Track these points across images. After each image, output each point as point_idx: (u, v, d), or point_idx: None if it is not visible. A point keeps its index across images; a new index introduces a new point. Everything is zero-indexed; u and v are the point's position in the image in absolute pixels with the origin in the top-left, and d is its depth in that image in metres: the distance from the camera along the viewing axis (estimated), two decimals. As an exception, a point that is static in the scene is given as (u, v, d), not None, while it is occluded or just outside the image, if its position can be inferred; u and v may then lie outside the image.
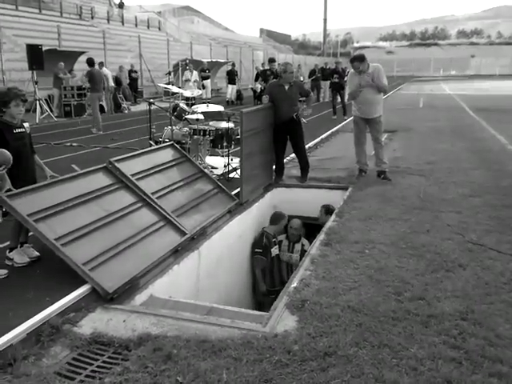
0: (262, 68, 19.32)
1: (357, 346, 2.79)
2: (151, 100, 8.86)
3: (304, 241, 6.30)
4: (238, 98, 20.88)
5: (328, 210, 6.08)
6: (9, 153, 3.60)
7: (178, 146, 6.01)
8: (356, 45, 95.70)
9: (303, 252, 5.90)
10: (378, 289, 3.53)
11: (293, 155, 7.42)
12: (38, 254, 4.00)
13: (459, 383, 2.46)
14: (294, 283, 3.67)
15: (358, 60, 6.60)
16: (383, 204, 5.60)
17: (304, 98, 7.16)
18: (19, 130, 3.93)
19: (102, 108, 16.58)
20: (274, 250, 6.04)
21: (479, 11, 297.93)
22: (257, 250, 5.89)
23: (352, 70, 6.85)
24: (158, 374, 2.57)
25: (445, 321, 3.06)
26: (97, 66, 13.54)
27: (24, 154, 3.94)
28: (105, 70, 16.26)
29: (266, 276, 6.05)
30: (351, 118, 7.37)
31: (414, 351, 2.73)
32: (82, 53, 17.49)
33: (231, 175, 6.84)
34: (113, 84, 16.28)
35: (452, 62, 63.42)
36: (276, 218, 6.17)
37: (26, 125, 4.03)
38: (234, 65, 22.29)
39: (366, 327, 2.99)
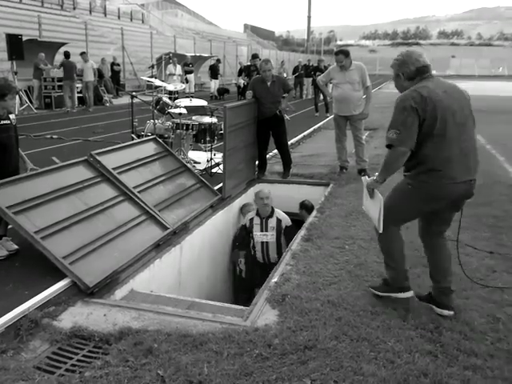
0: (246, 64, 19.31)
1: (336, 339, 2.84)
2: (134, 93, 8.78)
3: (279, 213, 5.53)
4: (220, 93, 20.73)
5: (302, 205, 6.13)
6: None
7: (160, 140, 5.98)
8: (339, 42, 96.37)
9: (280, 229, 5.37)
10: (357, 284, 3.59)
11: (275, 151, 7.45)
12: (16, 247, 3.95)
13: (435, 376, 2.52)
14: (274, 278, 3.70)
15: (344, 54, 6.60)
16: (364, 201, 5.67)
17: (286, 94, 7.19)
18: (4, 122, 3.84)
19: (82, 100, 16.38)
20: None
21: (460, 12, 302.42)
22: (237, 243, 5.85)
23: (335, 65, 6.85)
24: (139, 367, 2.58)
25: (422, 315, 3.13)
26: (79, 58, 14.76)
27: (8, 146, 3.86)
28: (93, 64, 15.96)
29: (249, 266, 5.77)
30: (333, 115, 7.42)
31: (391, 344, 2.78)
32: (63, 44, 17.20)
33: (214, 170, 6.84)
34: (91, 79, 15.96)
35: (433, 61, 63.83)
36: (242, 207, 6.04)
37: (11, 116, 3.94)
38: (218, 60, 22.17)
39: (346, 321, 3.04)
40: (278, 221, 5.36)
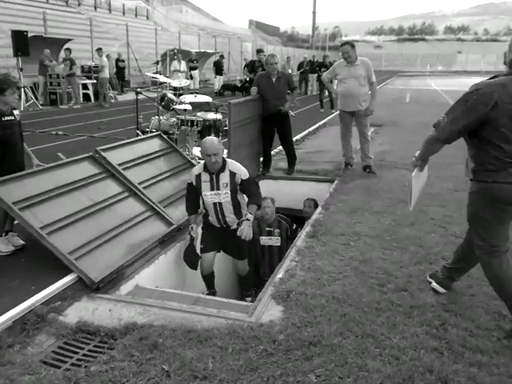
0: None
1: (341, 335, 2.83)
2: (138, 89, 8.79)
3: (232, 165, 4.19)
4: (231, 90, 20.58)
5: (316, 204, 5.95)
6: None
7: (165, 137, 5.99)
8: (344, 38, 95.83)
9: (235, 185, 4.17)
10: (362, 280, 3.58)
11: (280, 147, 7.44)
12: (22, 242, 3.97)
13: (440, 372, 2.51)
14: (279, 274, 3.70)
15: (350, 44, 6.56)
16: (369, 197, 5.66)
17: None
18: (8, 118, 3.84)
19: (87, 97, 16.43)
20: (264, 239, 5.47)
21: (467, 8, 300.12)
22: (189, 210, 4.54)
23: (341, 60, 6.78)
24: (144, 362, 2.59)
25: (427, 312, 3.12)
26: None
27: (11, 142, 3.86)
28: (102, 60, 15.92)
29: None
30: (338, 111, 7.39)
31: (396, 341, 2.78)
32: (68, 40, 17.22)
33: (218, 166, 6.83)
34: (107, 75, 16.01)
35: (439, 57, 63.82)
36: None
37: (15, 112, 3.94)
38: (222, 56, 22.12)
39: (350, 317, 3.03)
40: (232, 174, 4.15)
